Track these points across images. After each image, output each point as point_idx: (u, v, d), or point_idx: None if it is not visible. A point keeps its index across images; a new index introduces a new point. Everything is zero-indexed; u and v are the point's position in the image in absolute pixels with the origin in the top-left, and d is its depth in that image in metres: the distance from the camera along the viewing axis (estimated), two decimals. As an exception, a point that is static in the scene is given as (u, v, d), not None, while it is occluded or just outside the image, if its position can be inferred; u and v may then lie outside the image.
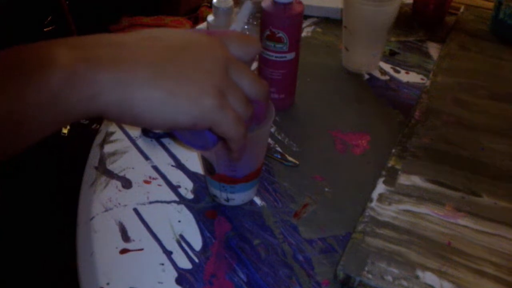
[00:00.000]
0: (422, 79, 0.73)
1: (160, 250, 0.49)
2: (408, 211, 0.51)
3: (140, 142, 0.62)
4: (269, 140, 0.62)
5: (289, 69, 0.64)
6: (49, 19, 1.54)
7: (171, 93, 0.34)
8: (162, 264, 0.48)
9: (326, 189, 0.56)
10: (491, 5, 0.81)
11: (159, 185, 0.56)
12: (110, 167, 0.58)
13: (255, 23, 0.74)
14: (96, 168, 0.58)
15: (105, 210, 0.53)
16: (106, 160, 0.59)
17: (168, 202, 0.54)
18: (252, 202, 0.54)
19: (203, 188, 0.56)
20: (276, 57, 0.62)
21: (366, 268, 0.45)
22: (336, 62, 0.76)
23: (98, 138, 0.62)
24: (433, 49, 0.79)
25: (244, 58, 0.39)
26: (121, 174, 0.57)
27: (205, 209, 0.53)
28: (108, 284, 0.46)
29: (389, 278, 0.45)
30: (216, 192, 0.52)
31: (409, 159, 0.57)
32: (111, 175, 0.57)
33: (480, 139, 0.60)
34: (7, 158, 0.33)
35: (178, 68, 0.34)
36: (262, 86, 0.39)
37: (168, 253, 0.49)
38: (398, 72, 0.75)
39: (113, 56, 0.33)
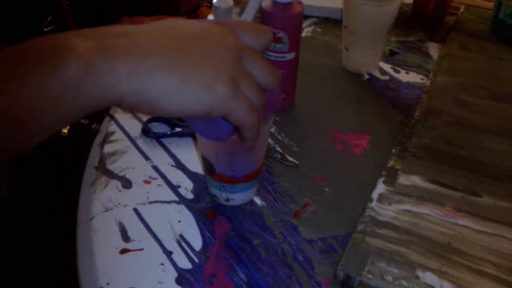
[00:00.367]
0: (422, 79, 0.73)
1: (160, 250, 0.49)
2: (408, 211, 0.51)
3: (140, 142, 0.62)
4: (269, 140, 0.62)
5: (289, 69, 0.64)
6: (49, 19, 1.54)
7: (185, 81, 0.34)
8: (162, 264, 0.48)
9: (326, 189, 0.56)
10: (491, 5, 0.81)
11: (159, 185, 0.56)
12: (110, 167, 0.58)
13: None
14: (96, 168, 0.58)
15: (105, 210, 0.53)
16: (106, 160, 0.59)
17: (168, 202, 0.54)
18: (252, 202, 0.54)
19: (203, 188, 0.56)
20: (276, 57, 0.62)
21: (366, 268, 0.45)
22: (336, 62, 0.76)
23: (98, 138, 0.62)
24: (433, 49, 0.79)
25: (256, 47, 0.39)
26: (121, 174, 0.57)
27: (205, 209, 0.53)
28: (108, 284, 0.46)
29: (389, 278, 0.45)
30: (216, 192, 0.52)
31: (409, 159, 0.57)
32: (111, 175, 0.57)
33: (480, 139, 0.60)
34: (26, 151, 0.33)
35: (191, 56, 0.35)
36: (274, 74, 0.39)
37: (168, 253, 0.49)
38: (398, 72, 0.75)
39: (128, 46, 0.33)
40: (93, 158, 0.60)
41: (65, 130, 1.21)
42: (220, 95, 0.35)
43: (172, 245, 0.49)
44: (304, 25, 0.85)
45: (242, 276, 0.47)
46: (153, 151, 0.60)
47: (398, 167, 0.56)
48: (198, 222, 0.52)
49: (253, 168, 0.50)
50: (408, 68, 0.75)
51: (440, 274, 0.45)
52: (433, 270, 0.46)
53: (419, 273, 0.45)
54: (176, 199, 0.54)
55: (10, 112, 0.30)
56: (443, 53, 0.75)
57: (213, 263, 0.48)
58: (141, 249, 0.49)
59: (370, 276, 0.45)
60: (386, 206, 0.51)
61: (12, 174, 1.12)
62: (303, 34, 0.82)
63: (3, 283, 1.03)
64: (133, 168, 0.58)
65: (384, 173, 0.55)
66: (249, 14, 0.44)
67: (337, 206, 0.54)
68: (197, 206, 0.54)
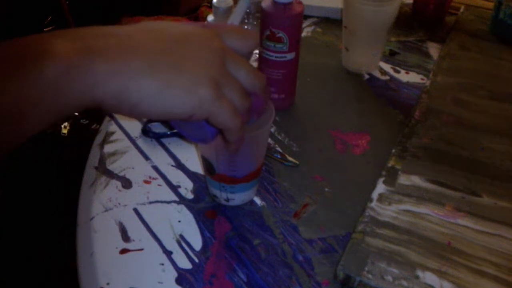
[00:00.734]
0: (422, 79, 0.73)
1: (160, 250, 0.49)
2: (408, 211, 0.51)
3: (140, 142, 0.62)
4: (269, 140, 0.62)
5: (289, 69, 0.64)
6: (49, 19, 1.54)
7: (167, 84, 0.34)
8: (162, 264, 0.48)
9: (326, 189, 0.56)
10: (491, 5, 0.81)
11: (159, 185, 0.56)
12: (110, 167, 0.58)
13: (255, 23, 0.74)
14: (96, 168, 0.58)
15: (105, 210, 0.53)
16: (106, 160, 0.59)
17: (168, 202, 0.54)
18: (252, 202, 0.54)
19: (203, 188, 0.56)
20: (276, 57, 0.62)
21: (366, 268, 0.45)
22: (336, 62, 0.76)
23: (98, 138, 0.62)
24: (433, 49, 0.79)
25: (241, 51, 0.39)
26: (121, 174, 0.57)
27: (205, 209, 0.53)
28: (108, 284, 0.46)
29: (389, 278, 0.45)
30: (216, 192, 0.52)
31: (409, 159, 0.57)
32: (111, 175, 0.57)
33: (480, 139, 0.60)
34: (5, 153, 0.33)
35: (174, 59, 0.35)
36: (259, 78, 0.39)
37: (168, 253, 0.49)
38: (398, 72, 0.75)
39: (109, 47, 0.33)
40: (93, 158, 0.59)
41: (65, 130, 1.21)
42: (202, 98, 0.34)
43: (172, 245, 0.49)
44: (304, 25, 0.85)
45: (242, 276, 0.47)
46: (153, 151, 0.60)
47: (398, 167, 0.56)
48: (198, 222, 0.52)
49: (253, 168, 0.50)
50: (408, 68, 0.75)
51: (440, 274, 0.45)
52: (433, 270, 0.46)
53: (419, 273, 0.45)
54: (176, 199, 0.54)
55: None
56: (443, 53, 0.75)
57: (213, 263, 0.48)
58: (141, 249, 0.49)
59: (370, 276, 0.45)
60: (386, 206, 0.51)
61: (11, 174, 1.12)
62: (303, 34, 0.82)
63: (3, 283, 1.03)
64: (133, 168, 0.58)
65: (384, 173, 0.55)
66: (236, 18, 0.44)
67: (337, 206, 0.54)
68: (197, 206, 0.54)
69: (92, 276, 0.46)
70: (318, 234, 0.51)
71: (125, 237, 0.50)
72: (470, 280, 0.45)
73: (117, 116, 0.65)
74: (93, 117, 1.24)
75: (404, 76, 0.74)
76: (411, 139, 0.60)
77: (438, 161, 0.57)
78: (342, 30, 0.72)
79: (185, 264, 0.48)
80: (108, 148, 0.61)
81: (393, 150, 0.58)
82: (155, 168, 0.58)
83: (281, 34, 0.60)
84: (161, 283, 0.46)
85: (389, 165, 0.56)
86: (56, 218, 1.09)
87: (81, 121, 1.23)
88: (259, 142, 0.49)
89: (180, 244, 0.50)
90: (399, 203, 0.52)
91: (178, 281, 0.46)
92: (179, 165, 0.59)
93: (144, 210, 0.53)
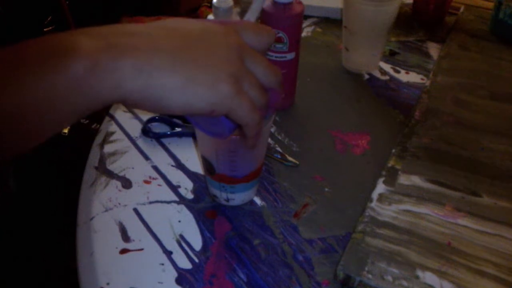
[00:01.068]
0: (422, 79, 0.73)
1: (160, 250, 0.49)
2: (408, 211, 0.51)
3: (140, 142, 0.62)
4: (269, 140, 0.62)
5: (289, 69, 0.64)
6: (49, 19, 1.54)
7: (189, 80, 0.35)
8: (162, 264, 0.48)
9: (326, 189, 0.56)
10: (491, 5, 0.81)
11: (159, 185, 0.56)
12: (110, 167, 0.58)
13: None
14: (96, 168, 0.58)
15: (105, 210, 0.53)
16: (106, 160, 0.59)
17: (168, 202, 0.54)
18: (252, 202, 0.54)
19: (203, 188, 0.56)
20: (276, 57, 0.62)
21: (366, 268, 0.45)
22: (336, 62, 0.76)
23: (98, 138, 0.62)
24: (433, 49, 0.79)
25: (258, 47, 0.40)
26: (121, 174, 0.57)
27: (205, 209, 0.53)
28: (108, 284, 0.46)
29: (389, 278, 0.45)
30: (216, 192, 0.52)
31: (409, 159, 0.57)
32: (111, 175, 0.57)
33: (480, 139, 0.60)
34: (31, 148, 0.33)
35: (194, 56, 0.35)
36: (275, 73, 0.40)
37: (168, 253, 0.49)
38: (398, 72, 0.75)
39: (132, 45, 0.34)
40: (93, 158, 0.60)
41: (65, 130, 1.21)
42: (223, 94, 0.35)
43: (172, 245, 0.49)
44: (304, 25, 0.85)
45: (242, 276, 0.47)
46: (153, 151, 0.60)
47: (398, 167, 0.56)
48: (198, 222, 0.52)
49: (253, 168, 0.50)
50: (408, 68, 0.75)
51: (440, 274, 0.45)
52: (433, 270, 0.46)
53: (419, 273, 0.45)
54: (176, 199, 0.54)
55: (12, 110, 0.30)
56: (443, 53, 0.75)
57: (213, 263, 0.48)
58: (141, 249, 0.49)
59: (370, 276, 0.45)
60: (386, 206, 0.51)
61: (12, 174, 1.12)
62: (303, 34, 0.82)
63: (3, 283, 1.03)
64: (133, 168, 0.58)
65: (384, 173, 0.55)
66: (252, 14, 0.45)
67: (337, 206, 0.54)
68: (197, 206, 0.54)
69: (92, 276, 0.46)
70: (318, 234, 0.51)
71: (125, 237, 0.50)
72: (470, 280, 0.45)
73: (117, 116, 0.65)
74: (93, 117, 1.24)
75: (404, 76, 0.74)
76: (411, 139, 0.60)
77: (438, 161, 0.57)
78: (342, 30, 0.72)
79: (185, 264, 0.48)
80: (108, 148, 0.61)
81: (393, 150, 0.58)
82: (155, 168, 0.58)
83: (281, 34, 0.60)
84: (161, 283, 0.46)
85: (389, 165, 0.56)
86: (56, 218, 1.09)
87: (81, 121, 1.23)
88: (259, 142, 0.49)
89: (180, 244, 0.50)
90: (399, 203, 0.52)
91: (178, 281, 0.46)
92: (179, 165, 0.59)
93: (144, 210, 0.53)
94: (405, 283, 0.44)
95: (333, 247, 0.50)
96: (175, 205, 0.54)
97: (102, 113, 0.68)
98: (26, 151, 0.33)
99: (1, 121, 0.31)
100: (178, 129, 0.62)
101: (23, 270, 1.06)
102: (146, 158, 0.59)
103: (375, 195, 0.52)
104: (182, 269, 0.47)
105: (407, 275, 0.45)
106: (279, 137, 0.62)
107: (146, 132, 0.62)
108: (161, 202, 0.54)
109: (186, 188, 0.56)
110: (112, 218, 0.52)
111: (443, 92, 0.67)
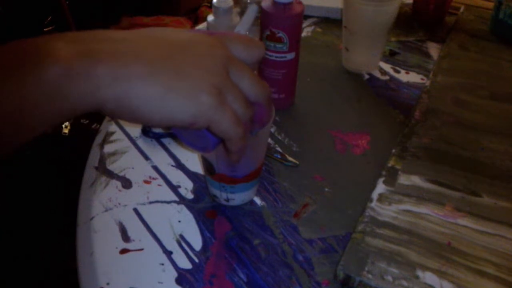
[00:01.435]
0: (422, 79, 0.73)
1: (160, 250, 0.49)
2: (408, 211, 0.51)
3: (140, 142, 0.62)
4: (269, 140, 0.62)
5: (289, 69, 0.64)
6: (49, 19, 1.55)
7: (168, 90, 0.33)
8: (162, 264, 0.48)
9: (326, 189, 0.56)
10: (491, 5, 0.81)
11: (159, 185, 0.56)
12: (110, 167, 0.58)
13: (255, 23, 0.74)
14: (96, 168, 0.58)
15: (105, 210, 0.53)
16: (106, 160, 0.59)
17: (168, 202, 0.54)
18: (252, 202, 0.54)
19: (203, 188, 0.56)
20: (276, 57, 0.62)
21: (366, 268, 0.45)
22: (336, 62, 0.76)
23: (98, 138, 0.62)
24: (433, 49, 0.79)
25: (247, 61, 0.39)
26: (121, 174, 0.57)
27: (205, 209, 0.53)
28: (108, 284, 0.46)
29: (389, 278, 0.45)
30: (216, 192, 0.52)
31: (409, 159, 0.57)
32: (111, 175, 0.57)
33: (480, 139, 0.60)
34: (6, 154, 0.33)
35: (177, 65, 0.34)
36: (262, 88, 0.39)
37: (168, 253, 0.49)
38: (398, 72, 0.75)
39: (111, 51, 0.33)
40: (93, 158, 0.60)
41: (65, 130, 1.21)
42: (204, 105, 0.34)
43: (172, 245, 0.49)
44: (304, 25, 0.85)
45: (242, 276, 0.47)
46: (153, 151, 0.60)
47: (398, 167, 0.56)
48: (198, 222, 0.52)
49: (253, 168, 0.50)
50: (408, 68, 0.75)
51: (440, 274, 0.45)
52: (433, 270, 0.46)
53: (419, 273, 0.45)
54: (176, 199, 0.54)
55: None
56: (443, 53, 0.75)
57: (213, 263, 0.48)
58: (141, 249, 0.49)
59: (370, 276, 0.45)
60: (386, 206, 0.51)
61: (12, 174, 1.12)
62: (303, 34, 0.82)
63: (3, 283, 1.03)
64: (133, 168, 0.58)
65: (384, 173, 0.55)
66: (243, 26, 0.44)
67: (337, 206, 0.54)
68: (197, 206, 0.54)
69: (92, 276, 0.46)
70: (318, 234, 0.51)
71: (125, 237, 0.50)
72: (470, 280, 0.45)
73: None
74: (93, 117, 1.24)
75: (404, 76, 0.74)
76: (411, 139, 0.60)
77: (438, 161, 0.57)
78: (342, 30, 0.72)
79: (185, 264, 0.48)
80: (108, 148, 0.61)
81: (393, 150, 0.58)
82: (155, 168, 0.58)
83: (281, 34, 0.60)
84: (161, 283, 0.46)
85: (389, 165, 0.56)
86: (56, 218, 1.09)
87: (81, 121, 1.23)
88: (259, 142, 0.49)
89: (180, 244, 0.50)
90: (399, 203, 0.52)
91: (178, 281, 0.46)
92: (179, 165, 0.59)
93: (144, 210, 0.53)
94: (405, 283, 0.44)
95: (333, 247, 0.50)
96: (175, 205, 0.54)
97: (102, 113, 0.68)
98: (5, 154, 0.32)
99: None
100: (178, 129, 0.62)
101: (23, 270, 1.06)
102: (146, 158, 0.59)
103: (375, 195, 0.52)
104: (182, 269, 0.47)
105: (407, 275, 0.45)
106: (279, 137, 0.62)
107: (146, 132, 0.62)
108: (161, 202, 0.54)
109: (186, 188, 0.56)
110: (112, 218, 0.52)
111: (443, 92, 0.67)
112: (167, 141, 0.62)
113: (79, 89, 0.31)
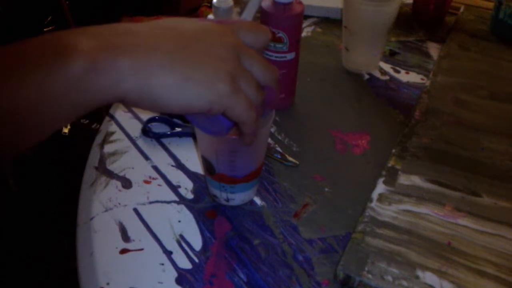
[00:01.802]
0: (422, 79, 0.73)
1: (160, 250, 0.49)
2: (408, 211, 0.51)
3: (140, 142, 0.62)
4: (269, 140, 0.62)
5: (289, 69, 0.64)
6: (49, 19, 1.55)
7: (186, 78, 0.35)
8: (162, 264, 0.48)
9: (326, 189, 0.56)
10: (491, 5, 0.81)
11: (159, 185, 0.56)
12: (110, 167, 0.58)
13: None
14: (96, 168, 0.58)
15: (105, 210, 0.53)
16: (106, 160, 0.59)
17: (168, 202, 0.54)
18: (252, 202, 0.54)
19: (203, 188, 0.56)
20: (276, 57, 0.62)
21: (366, 268, 0.45)
22: (336, 62, 0.76)
23: (98, 138, 0.62)
24: (433, 49, 0.79)
25: (255, 46, 0.40)
26: (121, 174, 0.57)
27: (205, 209, 0.53)
28: (108, 284, 0.46)
29: (389, 278, 0.45)
30: (216, 192, 0.52)
31: (409, 159, 0.57)
32: (111, 175, 0.57)
33: (480, 139, 0.60)
34: (27, 148, 0.34)
35: (192, 55, 0.36)
36: (272, 71, 0.40)
37: (168, 253, 0.49)
38: (398, 72, 0.75)
39: (130, 44, 0.34)
40: (93, 158, 0.60)
41: (65, 130, 1.21)
42: (220, 93, 0.36)
43: (172, 245, 0.49)
44: (304, 25, 0.85)
45: (242, 276, 0.47)
46: (153, 151, 0.60)
47: (398, 167, 0.56)
48: (198, 222, 0.52)
49: (253, 168, 0.50)
50: (408, 68, 0.75)
51: (440, 274, 0.45)
52: (433, 270, 0.46)
53: (419, 273, 0.45)
54: (176, 199, 0.54)
55: (11, 109, 0.31)
56: (443, 53, 0.75)
57: (213, 263, 0.48)
58: (141, 249, 0.49)
59: (370, 276, 0.45)
60: (386, 206, 0.51)
61: (12, 174, 1.12)
62: (303, 34, 0.82)
63: (3, 283, 1.03)
64: (133, 168, 0.58)
65: (384, 173, 0.55)
66: (249, 13, 0.45)
67: (337, 206, 0.54)
68: (197, 206, 0.54)
69: (92, 276, 0.46)
70: (318, 234, 0.51)
71: (125, 237, 0.50)
72: (470, 280, 0.45)
73: (117, 116, 0.65)
74: (93, 117, 1.24)
75: (404, 76, 0.74)
76: (411, 139, 0.60)
77: (438, 161, 0.57)
78: (342, 30, 0.72)
79: (185, 264, 0.48)
80: (108, 148, 0.61)
81: (393, 150, 0.58)
82: (155, 168, 0.58)
83: (281, 34, 0.60)
84: (161, 283, 0.46)
85: (389, 165, 0.56)
86: (56, 218, 1.09)
87: (81, 121, 1.23)
88: (259, 142, 0.49)
89: (180, 244, 0.50)
90: (399, 203, 0.52)
91: (178, 281, 0.46)
92: (179, 165, 0.59)
93: (144, 210, 0.53)
94: (405, 283, 0.44)
95: (333, 247, 0.50)
96: (175, 205, 0.54)
97: (102, 113, 0.68)
98: (25, 150, 0.34)
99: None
100: (178, 129, 0.62)
101: (23, 270, 1.06)
102: (146, 158, 0.59)
103: (375, 195, 0.52)
104: (182, 269, 0.47)
105: (407, 275, 0.45)
106: (279, 137, 0.62)
107: (146, 132, 0.62)
108: (161, 202, 0.54)
109: (186, 188, 0.56)
110: (112, 218, 0.52)
111: (443, 92, 0.67)
112: (167, 141, 0.62)
113: (103, 82, 0.33)
